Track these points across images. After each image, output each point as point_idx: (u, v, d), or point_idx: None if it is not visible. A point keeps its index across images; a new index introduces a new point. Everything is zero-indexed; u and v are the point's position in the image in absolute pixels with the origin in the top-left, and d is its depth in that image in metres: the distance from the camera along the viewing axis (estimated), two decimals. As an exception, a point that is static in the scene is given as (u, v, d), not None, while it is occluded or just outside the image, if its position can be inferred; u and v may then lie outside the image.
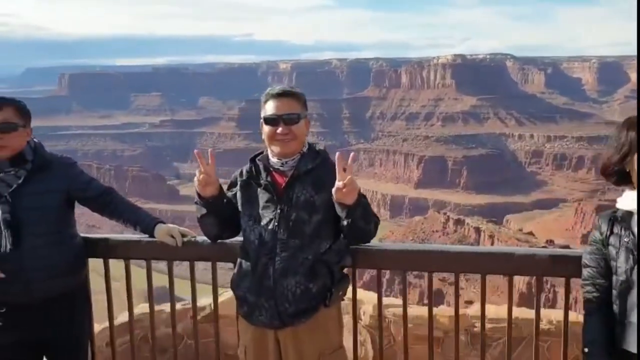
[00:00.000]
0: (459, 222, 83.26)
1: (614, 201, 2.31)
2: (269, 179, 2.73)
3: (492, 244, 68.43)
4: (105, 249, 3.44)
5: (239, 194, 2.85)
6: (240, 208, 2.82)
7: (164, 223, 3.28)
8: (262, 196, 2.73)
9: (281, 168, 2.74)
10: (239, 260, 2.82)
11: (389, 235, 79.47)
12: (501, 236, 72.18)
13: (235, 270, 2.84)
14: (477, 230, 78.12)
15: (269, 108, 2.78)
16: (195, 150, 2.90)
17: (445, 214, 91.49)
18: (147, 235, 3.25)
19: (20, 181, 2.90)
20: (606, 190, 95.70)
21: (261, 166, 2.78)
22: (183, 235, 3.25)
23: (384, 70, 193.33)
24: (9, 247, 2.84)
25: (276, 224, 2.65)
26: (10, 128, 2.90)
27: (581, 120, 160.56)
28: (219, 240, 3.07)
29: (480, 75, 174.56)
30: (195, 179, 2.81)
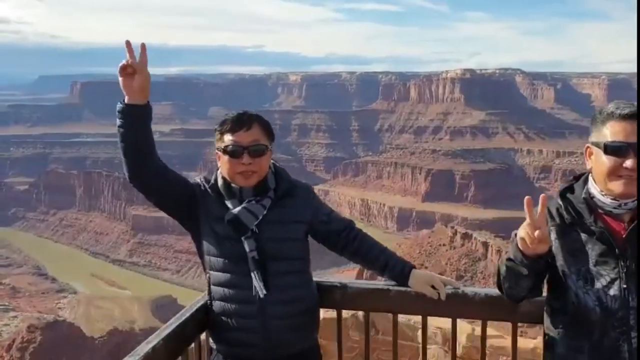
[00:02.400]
0: (466, 237, 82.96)
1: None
2: (600, 224, 2.08)
3: (500, 258, 68.27)
4: (342, 298, 2.90)
5: (555, 243, 2.16)
6: (560, 261, 2.15)
7: (416, 268, 2.73)
8: (593, 247, 2.09)
9: (615, 211, 2.08)
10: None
11: (396, 247, 79.29)
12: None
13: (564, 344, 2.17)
14: (485, 244, 77.89)
15: (610, 133, 2.06)
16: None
17: (452, 227, 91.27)
18: (393, 283, 2.76)
19: (265, 212, 2.57)
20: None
21: (584, 207, 2.13)
22: (445, 285, 2.69)
23: (393, 84, 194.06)
24: (261, 292, 2.50)
25: (624, 286, 2.03)
26: (260, 151, 2.56)
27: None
28: None
29: (489, 90, 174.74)
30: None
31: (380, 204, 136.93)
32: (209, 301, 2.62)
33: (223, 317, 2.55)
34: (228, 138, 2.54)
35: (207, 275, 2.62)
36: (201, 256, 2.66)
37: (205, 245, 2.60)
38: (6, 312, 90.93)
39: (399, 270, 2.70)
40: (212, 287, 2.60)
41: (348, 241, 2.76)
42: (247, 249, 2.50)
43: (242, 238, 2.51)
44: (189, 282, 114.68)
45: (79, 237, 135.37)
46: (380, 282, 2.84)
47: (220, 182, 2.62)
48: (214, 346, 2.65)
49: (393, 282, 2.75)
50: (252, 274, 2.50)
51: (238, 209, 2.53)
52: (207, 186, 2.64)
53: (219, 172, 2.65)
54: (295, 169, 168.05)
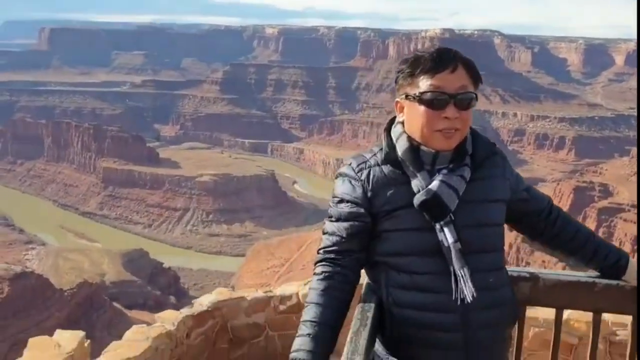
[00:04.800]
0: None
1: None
2: None
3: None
4: (531, 292, 2.38)
5: None
6: None
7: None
8: None
9: None
10: None
11: (368, 207, 79.85)
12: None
13: None
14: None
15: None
16: None
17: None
18: (596, 274, 2.29)
19: (464, 185, 2.01)
20: (585, 172, 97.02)
21: None
22: None
23: (371, 41, 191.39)
24: (470, 295, 1.96)
25: None
26: (469, 100, 1.99)
27: (564, 101, 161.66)
28: None
29: (468, 51, 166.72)
30: None
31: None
32: (386, 307, 2.07)
33: (408, 329, 2.03)
34: (426, 82, 1.98)
35: (383, 275, 2.09)
36: (370, 257, 2.11)
37: (379, 244, 2.08)
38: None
39: (613, 261, 2.22)
40: (390, 289, 2.06)
41: (548, 224, 2.23)
42: (447, 238, 1.99)
43: (438, 225, 2.00)
44: (161, 236, 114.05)
45: (47, 188, 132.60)
46: (580, 273, 2.36)
47: (403, 147, 2.05)
48: (385, 357, 2.14)
49: (596, 273, 2.29)
50: (455, 273, 1.98)
51: (435, 183, 1.99)
52: (378, 161, 2.08)
53: (396, 135, 2.10)
54: (270, 125, 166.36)
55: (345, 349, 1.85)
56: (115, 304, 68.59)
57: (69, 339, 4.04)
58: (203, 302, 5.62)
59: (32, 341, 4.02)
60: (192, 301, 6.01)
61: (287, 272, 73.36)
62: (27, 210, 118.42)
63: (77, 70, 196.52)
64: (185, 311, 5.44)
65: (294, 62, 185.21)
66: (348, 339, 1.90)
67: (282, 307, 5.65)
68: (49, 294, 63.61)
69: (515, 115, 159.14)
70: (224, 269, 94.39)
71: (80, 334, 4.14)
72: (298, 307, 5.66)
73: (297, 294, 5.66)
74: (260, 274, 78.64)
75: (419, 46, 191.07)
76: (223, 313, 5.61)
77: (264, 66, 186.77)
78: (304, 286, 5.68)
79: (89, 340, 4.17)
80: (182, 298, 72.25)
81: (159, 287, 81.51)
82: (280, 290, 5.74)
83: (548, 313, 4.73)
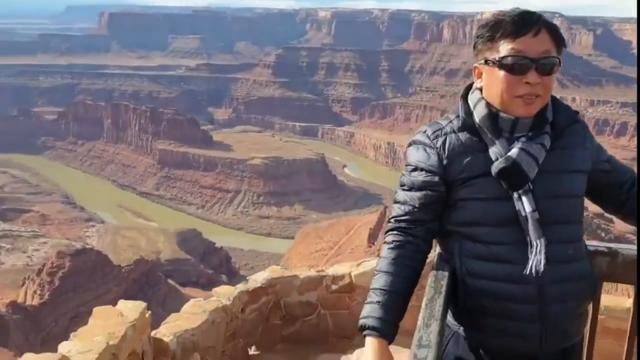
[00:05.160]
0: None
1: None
2: None
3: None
4: (609, 267, 2.26)
5: None
6: None
7: None
8: None
9: None
10: None
11: (419, 192, 78.95)
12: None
13: None
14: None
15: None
16: None
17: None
18: None
19: (544, 154, 1.94)
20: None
21: None
22: None
23: (425, 24, 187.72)
24: (540, 266, 1.90)
25: None
26: (552, 66, 1.91)
27: (627, 86, 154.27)
28: None
29: None
30: None
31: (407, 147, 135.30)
32: (460, 277, 2.02)
33: (481, 300, 1.98)
34: (507, 46, 1.90)
35: (457, 244, 2.04)
36: (443, 227, 2.06)
37: (454, 214, 2.03)
38: (36, 238, 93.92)
39: None
40: (464, 259, 2.01)
41: (630, 197, 2.10)
42: (525, 208, 1.91)
43: (515, 194, 1.92)
44: (213, 217, 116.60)
45: (106, 168, 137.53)
46: None
47: (480, 113, 1.99)
48: (456, 328, 2.11)
49: None
50: (531, 243, 1.92)
51: (515, 150, 1.92)
52: (454, 129, 2.02)
53: (474, 101, 2.03)
54: (321, 109, 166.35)
55: (421, 315, 1.83)
56: (169, 280, 70.83)
57: (131, 309, 4.21)
58: (257, 279, 5.74)
59: (96, 310, 4.21)
60: (247, 278, 6.15)
61: (336, 255, 73.66)
62: (88, 189, 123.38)
63: (135, 54, 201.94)
64: (240, 287, 5.58)
65: (346, 45, 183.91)
66: (423, 305, 1.87)
67: (334, 287, 5.71)
68: (108, 269, 66.28)
69: (574, 100, 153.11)
70: (274, 251, 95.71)
71: (142, 304, 4.30)
72: (350, 287, 5.70)
73: (349, 274, 5.69)
74: (308, 257, 79.32)
75: (475, 29, 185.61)
76: (276, 290, 5.71)
77: (316, 49, 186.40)
78: (357, 267, 5.71)
79: (149, 312, 4.34)
80: (233, 277, 73.73)
81: (211, 266, 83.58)
82: (332, 270, 5.79)
83: (608, 300, 4.59)
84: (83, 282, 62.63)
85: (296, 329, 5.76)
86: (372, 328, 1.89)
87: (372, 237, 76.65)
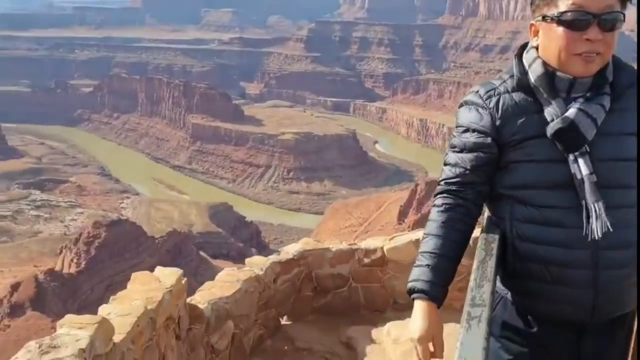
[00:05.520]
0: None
1: None
2: None
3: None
4: None
5: None
6: None
7: None
8: None
9: None
10: None
11: (451, 170, 78.07)
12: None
13: None
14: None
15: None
16: None
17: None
18: None
19: (603, 115, 1.85)
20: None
21: None
22: None
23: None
24: (598, 231, 1.80)
25: None
26: (615, 21, 1.79)
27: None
28: None
29: None
30: None
31: (440, 124, 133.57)
32: (510, 241, 1.96)
33: (532, 264, 1.93)
34: (566, 1, 1.80)
35: (507, 208, 1.97)
36: (494, 190, 1.99)
37: (506, 176, 1.96)
38: (73, 208, 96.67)
39: None
40: (515, 223, 1.95)
41: None
42: (582, 170, 1.82)
43: (572, 156, 1.84)
44: (244, 191, 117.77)
45: (141, 141, 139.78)
46: None
47: (536, 72, 1.91)
48: (504, 293, 2.07)
49: None
50: (587, 207, 1.82)
51: (572, 110, 1.85)
52: (508, 88, 1.95)
53: (529, 60, 1.96)
54: (353, 84, 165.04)
55: (473, 276, 1.79)
56: (201, 252, 72.21)
57: (168, 275, 4.31)
58: (290, 250, 5.80)
59: (135, 275, 4.32)
60: (279, 249, 6.22)
61: (365, 232, 73.78)
62: (123, 162, 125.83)
63: (169, 27, 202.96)
64: (272, 258, 5.65)
65: (380, 19, 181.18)
66: (474, 267, 1.83)
67: (366, 260, 5.72)
68: (142, 240, 67.88)
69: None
70: (303, 226, 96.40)
71: (179, 271, 4.40)
72: (382, 261, 5.71)
73: (381, 248, 5.70)
74: (337, 233, 79.65)
75: (512, 3, 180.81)
76: (308, 262, 5.76)
77: (349, 23, 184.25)
78: (389, 241, 5.70)
79: (185, 278, 4.43)
80: (263, 251, 74.70)
81: (242, 239, 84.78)
82: (365, 243, 5.80)
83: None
84: (118, 252, 64.34)
85: (327, 301, 5.82)
86: (421, 291, 1.87)
87: (402, 215, 76.42)
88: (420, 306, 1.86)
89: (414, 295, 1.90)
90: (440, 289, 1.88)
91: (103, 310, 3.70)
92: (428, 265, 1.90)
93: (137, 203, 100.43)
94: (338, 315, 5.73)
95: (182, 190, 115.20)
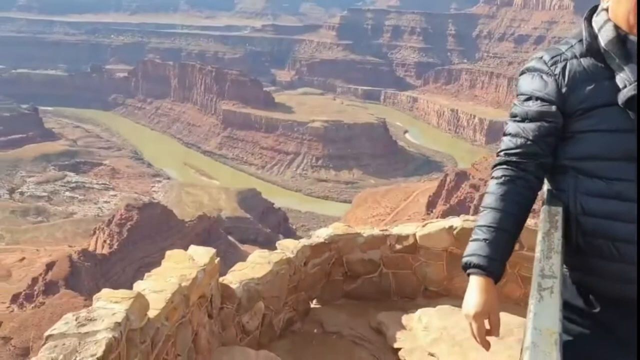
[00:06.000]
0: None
1: None
2: None
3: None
4: None
5: None
6: None
7: None
8: None
9: None
10: None
11: (482, 161, 77.13)
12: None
13: None
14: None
15: None
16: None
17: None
18: None
19: None
20: None
21: None
22: None
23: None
24: None
25: None
26: None
27: None
28: None
29: None
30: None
31: (471, 114, 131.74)
32: (573, 216, 1.85)
33: (597, 241, 1.82)
34: None
35: (571, 181, 1.87)
36: (556, 161, 1.89)
37: (570, 147, 1.86)
38: (107, 191, 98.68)
39: None
40: (579, 196, 1.84)
41: None
42: None
43: None
44: (272, 178, 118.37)
45: (173, 126, 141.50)
46: None
47: (607, 36, 1.79)
48: (564, 270, 1.94)
49: None
50: None
51: None
52: (576, 54, 1.84)
53: (599, 23, 1.85)
54: (385, 72, 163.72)
55: (539, 248, 1.70)
56: (229, 237, 73.02)
57: (201, 254, 4.35)
58: (321, 234, 5.80)
59: (169, 253, 4.38)
60: (310, 233, 6.22)
61: (393, 221, 73.48)
62: (155, 146, 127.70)
63: (202, 14, 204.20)
64: (304, 241, 5.65)
65: (412, 7, 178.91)
66: (539, 238, 1.73)
67: (398, 247, 5.68)
68: (172, 223, 68.95)
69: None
70: (330, 214, 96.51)
71: (212, 250, 4.44)
72: (414, 248, 5.67)
73: (414, 234, 5.65)
74: (365, 222, 79.51)
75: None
76: (339, 247, 5.75)
77: (381, 11, 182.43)
78: (422, 228, 5.65)
79: (218, 258, 4.47)
80: (290, 237, 74.90)
81: (269, 225, 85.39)
82: (397, 229, 5.76)
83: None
84: (149, 234, 65.50)
85: (357, 286, 5.81)
86: (478, 266, 1.80)
87: (431, 205, 75.83)
88: (476, 281, 1.79)
89: (469, 270, 1.83)
90: (498, 264, 1.80)
91: (138, 286, 3.76)
92: (485, 239, 1.81)
93: (168, 187, 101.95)
94: (368, 300, 5.72)
95: (212, 176, 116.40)
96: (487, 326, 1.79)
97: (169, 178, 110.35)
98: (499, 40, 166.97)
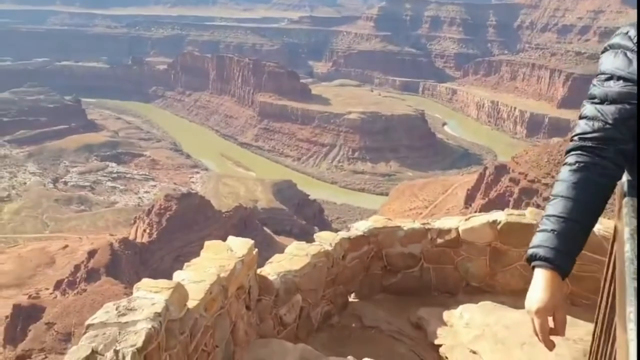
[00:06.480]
0: (603, 149, 76.63)
1: None
2: None
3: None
4: None
5: None
6: None
7: None
8: None
9: None
10: None
11: (522, 155, 75.43)
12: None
13: None
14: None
15: None
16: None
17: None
18: None
19: None
20: None
21: None
22: None
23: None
24: None
25: None
26: None
27: None
28: None
29: None
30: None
31: (511, 107, 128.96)
32: None
33: None
34: None
35: None
36: (637, 149, 1.70)
37: None
38: (147, 181, 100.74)
39: None
40: None
41: None
42: None
43: None
44: (308, 169, 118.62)
45: (211, 118, 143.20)
46: None
47: None
48: None
49: None
50: None
51: None
52: None
53: None
54: (423, 64, 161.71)
55: (628, 246, 1.52)
56: (265, 228, 73.60)
57: (240, 245, 4.32)
58: (359, 227, 5.70)
59: (207, 244, 4.36)
60: (349, 225, 6.13)
61: (430, 214, 72.75)
62: (193, 138, 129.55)
63: (240, 6, 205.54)
64: (342, 234, 5.56)
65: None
66: (626, 235, 1.55)
67: (439, 241, 5.54)
68: (209, 214, 69.91)
69: None
70: (366, 206, 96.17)
71: (250, 241, 4.40)
72: (456, 242, 5.52)
73: (456, 228, 5.50)
74: (402, 215, 78.93)
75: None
76: (378, 240, 5.65)
77: (420, 2, 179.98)
78: (465, 221, 5.50)
79: (256, 249, 4.43)
80: (325, 229, 75.08)
81: (305, 217, 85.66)
82: (439, 223, 5.61)
83: None
84: (187, 224, 66.57)
85: (397, 280, 5.70)
86: (544, 259, 1.66)
87: (469, 199, 74.70)
88: (542, 275, 1.65)
89: (534, 263, 1.69)
90: (566, 257, 1.65)
91: (178, 276, 3.75)
92: (554, 230, 1.66)
93: (206, 178, 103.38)
94: (408, 295, 5.60)
95: (248, 167, 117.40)
96: (551, 324, 1.65)
97: (206, 169, 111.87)
98: (542, 31, 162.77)
